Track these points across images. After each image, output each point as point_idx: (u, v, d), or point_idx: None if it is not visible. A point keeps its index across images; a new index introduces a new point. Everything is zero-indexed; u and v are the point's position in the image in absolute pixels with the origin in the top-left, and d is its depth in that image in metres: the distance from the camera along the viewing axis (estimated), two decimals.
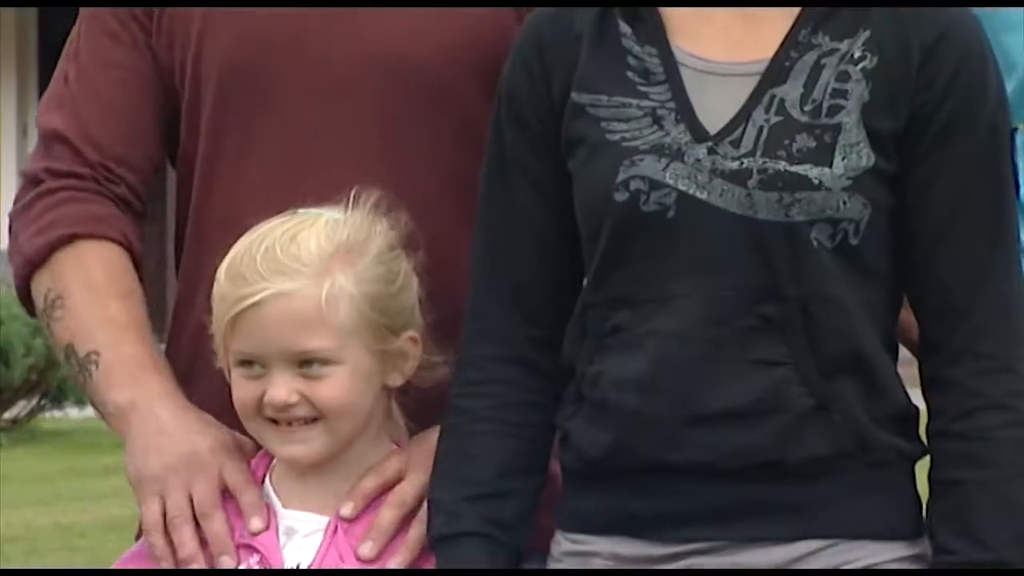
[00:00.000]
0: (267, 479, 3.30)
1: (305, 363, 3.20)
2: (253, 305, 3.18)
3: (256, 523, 3.26)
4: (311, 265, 3.21)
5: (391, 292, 3.25)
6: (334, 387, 3.22)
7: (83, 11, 3.54)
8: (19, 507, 10.56)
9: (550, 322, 3.23)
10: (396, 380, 3.27)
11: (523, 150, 3.20)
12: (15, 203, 3.54)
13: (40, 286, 3.48)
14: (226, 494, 3.27)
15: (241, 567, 3.26)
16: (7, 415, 17.19)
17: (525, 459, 3.22)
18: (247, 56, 3.41)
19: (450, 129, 3.37)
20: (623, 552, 3.14)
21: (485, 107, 3.31)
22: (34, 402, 16.44)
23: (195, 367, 3.36)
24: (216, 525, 3.24)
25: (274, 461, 3.31)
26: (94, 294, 3.45)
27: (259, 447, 3.34)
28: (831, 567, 3.13)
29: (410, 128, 3.36)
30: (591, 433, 3.13)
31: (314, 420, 3.22)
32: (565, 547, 3.20)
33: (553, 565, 3.25)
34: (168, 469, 3.30)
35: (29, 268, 3.49)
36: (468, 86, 3.39)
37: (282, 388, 3.18)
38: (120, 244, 3.44)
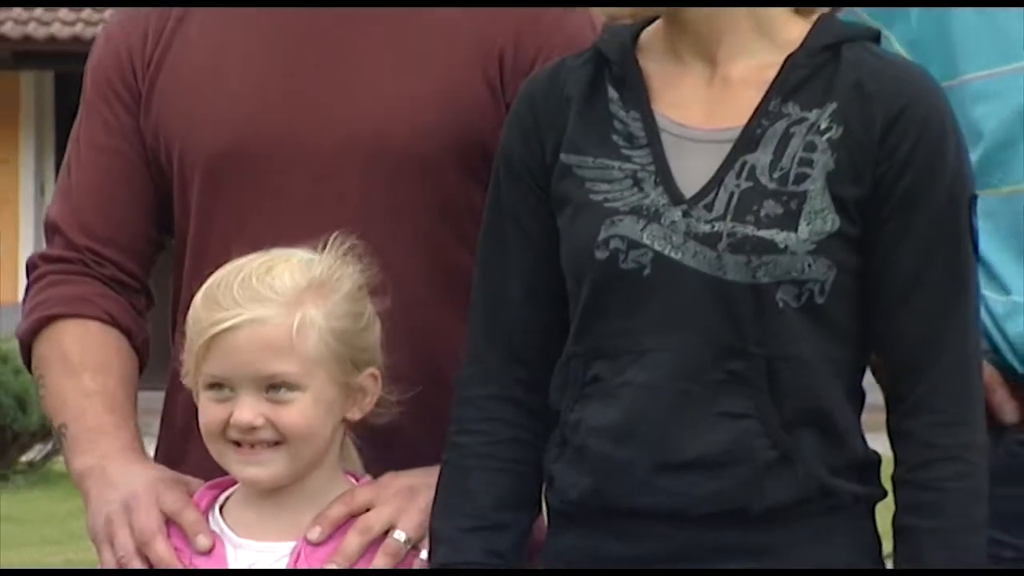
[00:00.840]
0: (214, 511, 3.30)
1: (272, 387, 3.20)
2: (227, 329, 3.20)
3: (201, 540, 3.26)
4: (284, 296, 3.23)
5: (357, 329, 3.27)
6: (298, 412, 3.21)
7: (82, 99, 3.62)
8: (34, 545, 10.55)
9: (540, 366, 3.23)
10: (355, 414, 3.29)
11: (516, 206, 3.23)
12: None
13: (31, 364, 3.58)
14: (171, 523, 3.26)
15: None
16: (23, 458, 17.06)
17: (518, 493, 3.24)
18: (235, 143, 3.41)
19: (428, 206, 3.37)
20: (593, 549, 3.18)
21: (462, 184, 3.40)
22: (48, 446, 16.37)
23: (191, 424, 3.26)
24: (159, 549, 3.24)
25: (222, 495, 3.33)
26: (67, 369, 3.50)
27: (207, 480, 3.34)
28: None
29: (391, 206, 3.37)
30: (572, 476, 3.14)
31: (276, 444, 3.22)
32: (549, 549, 3.24)
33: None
34: (112, 515, 3.30)
35: (24, 348, 3.59)
36: (445, 165, 3.37)
37: (248, 410, 3.19)
38: (100, 320, 3.48)
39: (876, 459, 3.19)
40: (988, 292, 3.49)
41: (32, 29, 22.41)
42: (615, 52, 3.22)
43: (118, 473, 3.38)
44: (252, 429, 3.19)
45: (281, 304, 3.23)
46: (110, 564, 3.31)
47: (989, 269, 3.52)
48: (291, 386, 3.23)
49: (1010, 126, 3.39)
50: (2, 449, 16.81)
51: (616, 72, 3.21)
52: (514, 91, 3.32)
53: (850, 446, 3.15)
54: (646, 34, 3.24)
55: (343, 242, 3.27)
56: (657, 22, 3.25)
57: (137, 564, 3.26)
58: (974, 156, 3.42)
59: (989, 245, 3.47)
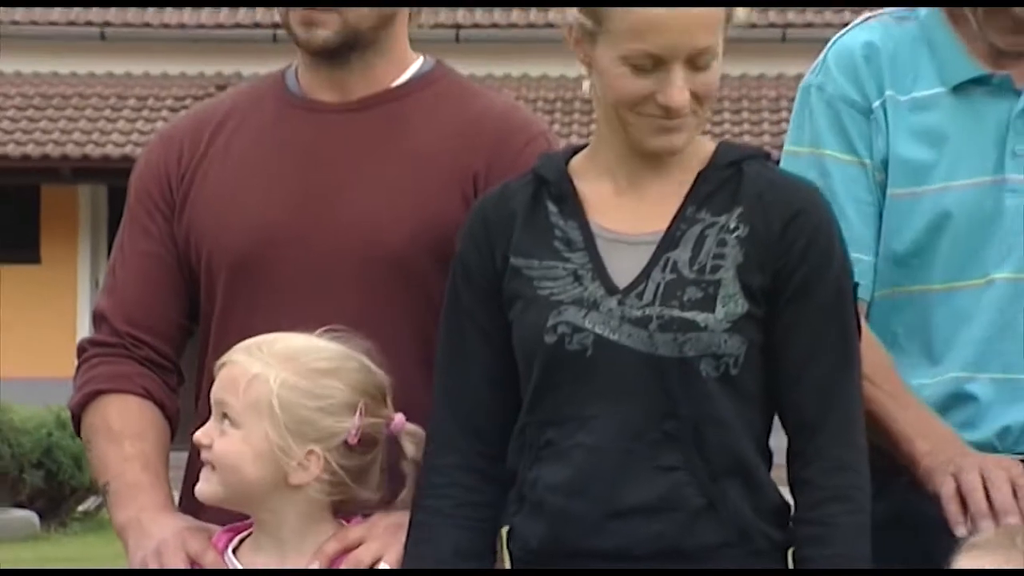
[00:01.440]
0: (228, 552, 3.26)
1: (223, 417, 3.20)
2: (218, 367, 3.23)
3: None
4: (265, 355, 3.23)
5: (307, 405, 3.19)
6: (226, 444, 3.18)
7: (126, 208, 3.60)
8: None
9: (496, 438, 3.23)
10: (296, 480, 3.20)
11: (472, 304, 3.22)
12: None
13: (80, 431, 3.58)
14: (195, 564, 3.25)
15: None
16: (80, 508, 17.08)
17: (476, 545, 3.21)
18: (254, 249, 3.43)
19: (412, 297, 3.38)
20: None
21: (438, 280, 3.32)
22: (100, 499, 16.48)
23: None
24: None
25: (235, 538, 3.28)
26: (110, 437, 3.50)
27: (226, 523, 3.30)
28: None
29: (382, 298, 3.37)
30: (531, 527, 3.14)
31: (212, 467, 3.23)
32: None
33: None
34: (147, 559, 3.30)
35: (75, 418, 3.58)
36: (426, 266, 3.37)
37: (201, 431, 3.23)
38: (138, 395, 3.47)
39: (788, 507, 3.19)
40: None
41: (89, 149, 22.41)
42: (553, 174, 3.25)
43: (152, 524, 3.37)
44: (202, 447, 3.21)
45: (258, 359, 3.23)
46: None
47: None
48: (232, 421, 3.20)
49: (923, 236, 3.37)
50: (61, 501, 16.87)
51: (554, 190, 3.23)
52: None
53: (767, 494, 3.16)
54: (576, 160, 3.29)
55: (347, 338, 3.27)
56: (586, 151, 3.32)
57: None
58: (893, 258, 3.50)
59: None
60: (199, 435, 3.21)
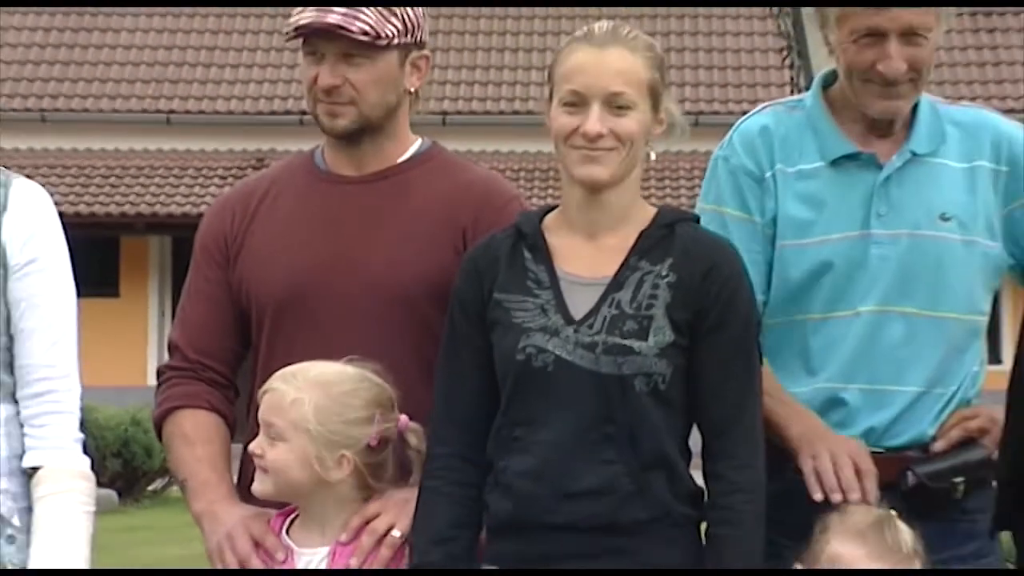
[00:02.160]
0: (283, 532, 3.32)
1: (270, 432, 3.25)
2: (261, 393, 3.27)
3: (280, 555, 3.27)
4: (300, 382, 3.26)
5: (337, 419, 3.26)
6: (275, 454, 3.24)
7: (192, 258, 3.69)
8: (161, 543, 10.46)
9: (482, 434, 3.28)
10: (331, 478, 3.26)
11: (466, 329, 3.28)
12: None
13: (162, 438, 3.62)
14: (258, 544, 3.30)
15: None
16: (150, 488, 17.09)
17: (467, 517, 3.26)
18: (292, 294, 3.50)
19: (415, 328, 3.44)
20: (518, 563, 3.24)
21: (435, 314, 3.41)
22: (165, 480, 16.37)
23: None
24: (253, 563, 3.27)
25: (287, 520, 3.35)
26: (185, 442, 3.55)
27: (278, 509, 3.37)
28: None
29: (392, 329, 3.43)
30: (501, 504, 3.21)
31: (264, 471, 3.26)
32: (489, 559, 3.26)
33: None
34: (220, 542, 3.34)
35: (157, 428, 3.62)
36: (426, 303, 3.44)
37: (255, 444, 3.26)
38: (205, 409, 3.54)
39: (701, 492, 3.22)
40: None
41: (157, 208, 22.36)
42: (529, 228, 3.29)
43: (222, 513, 3.41)
44: (253, 451, 3.26)
45: (294, 386, 3.25)
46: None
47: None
48: (279, 436, 3.23)
49: (806, 277, 3.41)
50: (135, 482, 16.86)
51: (529, 241, 3.26)
52: None
53: (685, 483, 3.20)
54: (548, 217, 3.32)
55: (368, 366, 3.31)
56: (556, 211, 3.33)
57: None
58: (783, 294, 3.53)
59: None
60: (253, 447, 3.26)
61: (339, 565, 3.29)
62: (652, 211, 3.28)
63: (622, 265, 3.20)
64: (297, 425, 3.24)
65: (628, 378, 3.15)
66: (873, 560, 3.12)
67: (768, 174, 3.51)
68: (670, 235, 3.24)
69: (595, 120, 3.09)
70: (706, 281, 3.20)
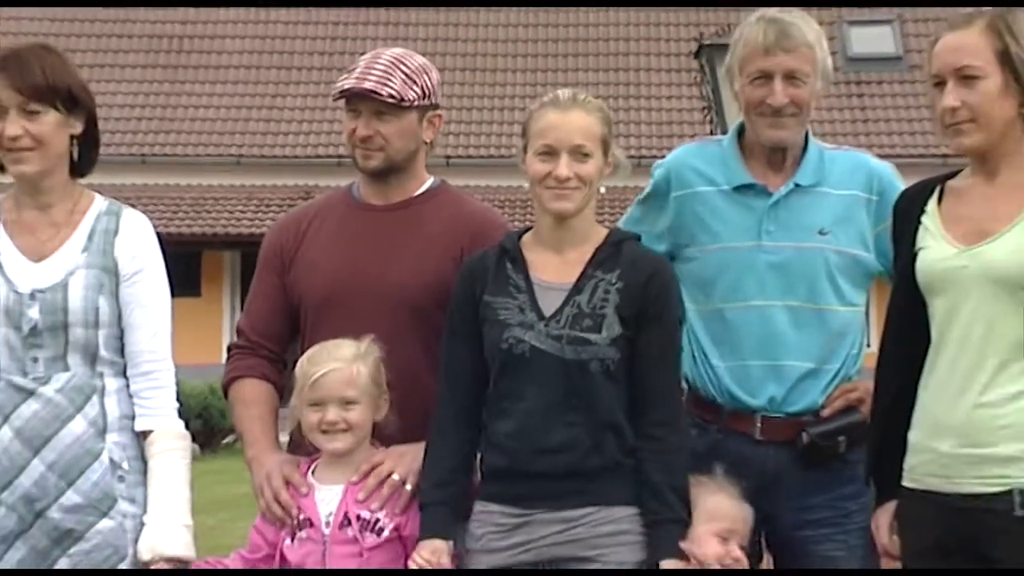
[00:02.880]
0: (309, 473, 3.33)
1: (347, 403, 3.28)
2: (323, 374, 3.27)
3: (304, 489, 3.29)
4: (347, 359, 3.30)
5: (376, 378, 3.31)
6: (358, 414, 3.28)
7: (257, 267, 3.74)
8: (231, 484, 10.48)
9: (474, 401, 3.31)
10: (377, 418, 3.32)
11: (462, 323, 3.33)
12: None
13: (228, 400, 3.67)
14: (289, 483, 3.31)
15: (295, 513, 3.30)
16: (224, 442, 17.24)
17: (464, 464, 3.31)
18: (329, 296, 3.53)
19: (422, 325, 3.47)
20: (504, 511, 3.24)
21: (438, 315, 3.43)
22: (237, 439, 16.47)
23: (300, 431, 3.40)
24: (283, 496, 3.27)
25: (313, 464, 3.37)
26: (244, 404, 3.57)
27: (308, 455, 3.41)
28: (598, 520, 3.22)
29: (404, 325, 3.45)
30: (494, 458, 3.29)
31: (345, 431, 3.26)
32: (478, 508, 3.28)
33: (474, 517, 3.29)
34: (261, 480, 3.35)
35: (224, 392, 3.66)
36: (431, 306, 3.46)
37: (333, 413, 3.25)
38: (259, 378, 3.57)
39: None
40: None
41: (229, 230, 22.45)
42: (511, 245, 3.33)
43: (265, 459, 3.45)
44: (335, 422, 3.26)
45: (346, 360, 3.30)
46: (263, 507, 3.35)
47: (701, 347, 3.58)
48: (353, 401, 3.27)
49: (711, 275, 3.47)
50: (212, 438, 17.05)
51: (510, 255, 3.31)
52: None
53: (628, 441, 3.24)
54: (525, 236, 3.37)
55: (373, 342, 3.35)
56: (531, 231, 3.39)
57: (276, 508, 3.32)
58: (690, 287, 3.56)
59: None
60: (332, 420, 3.28)
61: (350, 499, 3.28)
62: (604, 232, 3.33)
63: (581, 274, 3.26)
64: (364, 390, 3.29)
65: (586, 362, 3.20)
66: (726, 496, 3.23)
67: (684, 192, 3.55)
68: (618, 251, 3.28)
69: (564, 167, 3.16)
70: (647, 286, 3.24)
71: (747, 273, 3.42)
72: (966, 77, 2.90)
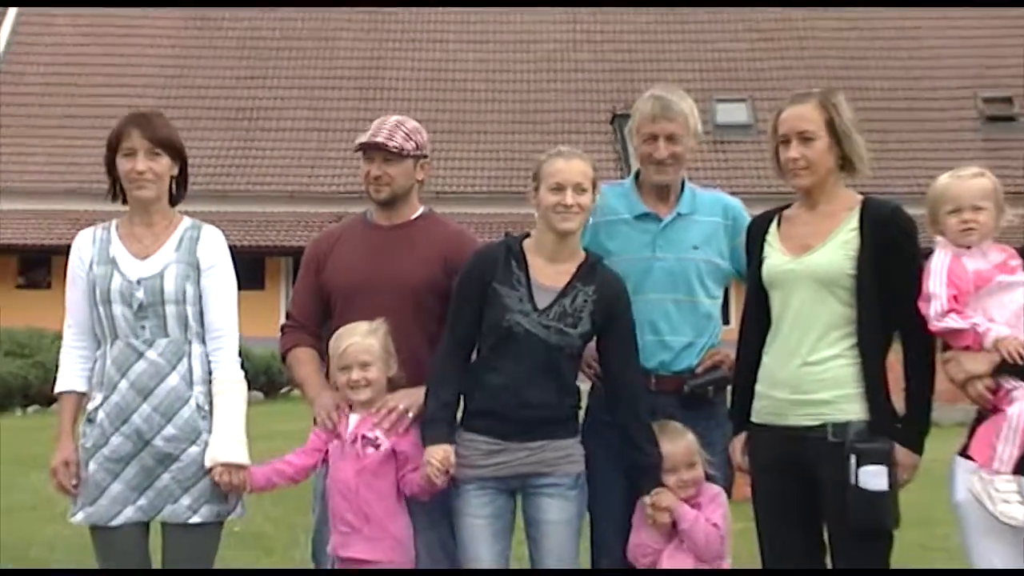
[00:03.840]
0: (346, 408, 3.24)
1: (365, 365, 3.20)
2: (347, 347, 3.21)
3: (339, 415, 3.23)
4: (363, 334, 3.24)
5: (386, 347, 3.24)
6: (373, 373, 3.21)
7: (300, 269, 3.62)
8: (291, 422, 10.36)
9: (467, 354, 3.24)
10: (390, 375, 3.23)
11: (468, 299, 3.20)
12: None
13: (286, 363, 3.56)
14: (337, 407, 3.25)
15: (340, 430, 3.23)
16: (281, 391, 16.76)
17: (452, 400, 3.20)
18: (350, 291, 3.45)
19: (421, 311, 3.39)
20: (487, 440, 3.16)
21: (432, 303, 3.38)
22: (291, 387, 16.03)
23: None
24: (333, 415, 3.23)
25: (347, 406, 3.26)
26: (300, 364, 3.49)
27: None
28: (553, 448, 3.18)
29: (408, 312, 3.37)
30: (483, 400, 3.17)
31: (365, 386, 3.20)
32: (465, 436, 3.17)
33: (459, 443, 3.17)
34: (320, 405, 3.28)
35: (283, 358, 3.56)
36: (428, 297, 3.39)
37: (356, 373, 3.19)
38: (308, 346, 3.50)
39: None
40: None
41: (283, 242, 22.18)
42: (516, 246, 3.23)
43: (322, 394, 3.36)
44: (358, 380, 3.19)
45: (361, 336, 3.23)
46: (320, 420, 3.28)
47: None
48: (369, 364, 3.21)
49: (622, 275, 3.31)
50: (274, 388, 16.65)
51: (515, 255, 3.20)
52: (453, 273, 3.32)
53: (578, 400, 3.26)
54: (526, 241, 3.25)
55: (383, 324, 3.28)
56: (531, 238, 3.26)
57: (327, 422, 3.26)
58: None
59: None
60: (355, 379, 3.21)
61: (362, 424, 3.20)
62: (583, 253, 3.24)
63: (568, 283, 3.17)
64: (377, 356, 3.22)
65: (562, 347, 3.14)
66: (674, 439, 3.17)
67: (602, 219, 3.44)
68: (594, 270, 3.19)
69: (570, 197, 3.10)
70: (615, 302, 3.18)
71: (645, 276, 3.35)
72: (805, 138, 2.96)
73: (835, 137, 2.97)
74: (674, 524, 3.07)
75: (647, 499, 3.08)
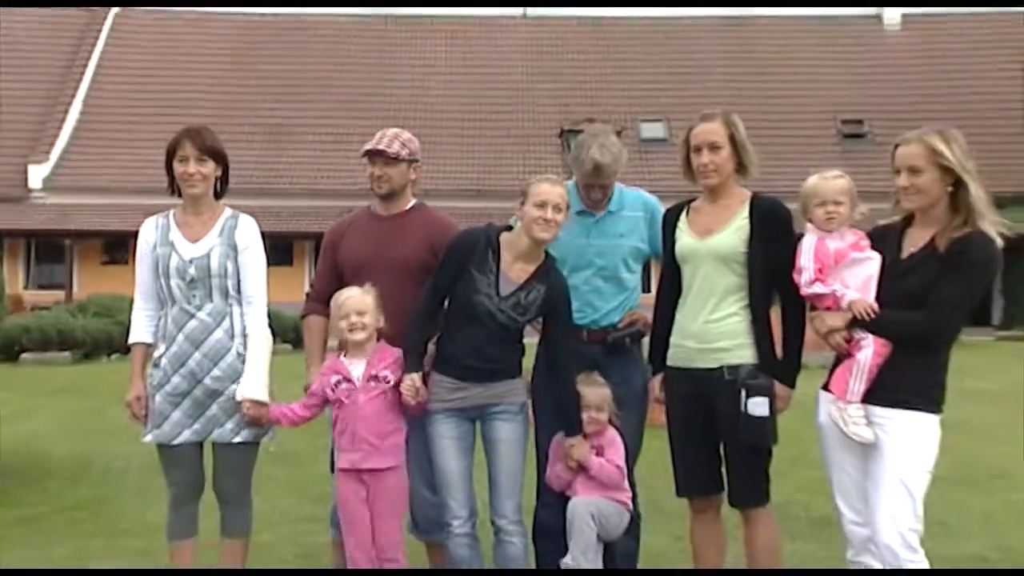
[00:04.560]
0: (342, 356, 3.12)
1: (360, 313, 3.08)
2: (345, 299, 3.12)
3: (339, 364, 3.11)
4: (358, 292, 3.13)
5: (376, 303, 3.11)
6: (369, 320, 3.09)
7: (321, 251, 3.49)
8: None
9: (438, 310, 3.13)
10: (378, 326, 3.12)
11: (446, 277, 3.08)
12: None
13: (303, 325, 3.41)
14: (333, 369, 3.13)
15: (334, 381, 3.09)
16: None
17: (427, 338, 3.11)
18: (358, 265, 3.32)
19: (410, 282, 3.22)
20: (452, 381, 3.08)
21: (421, 277, 3.20)
22: None
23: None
24: (316, 381, 3.15)
25: (342, 355, 3.12)
26: (309, 333, 3.39)
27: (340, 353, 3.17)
28: (502, 384, 3.10)
29: (401, 282, 3.22)
30: (451, 352, 3.09)
31: (362, 328, 3.07)
32: (436, 377, 3.10)
33: (432, 382, 3.08)
34: (312, 375, 3.22)
35: (302, 318, 3.42)
36: (418, 270, 3.23)
37: (355, 317, 3.09)
38: (320, 315, 3.38)
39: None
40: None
41: (307, 229, 21.69)
42: (494, 236, 3.09)
43: (313, 366, 3.30)
44: (355, 323, 3.07)
45: (359, 293, 3.12)
46: (312, 383, 3.17)
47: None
48: (363, 312, 3.09)
49: (562, 256, 3.23)
50: (300, 342, 16.04)
51: (492, 245, 3.07)
52: (437, 253, 3.19)
53: (521, 354, 3.17)
54: (503, 236, 3.10)
55: (373, 288, 3.15)
56: (509, 234, 3.11)
57: (315, 385, 3.14)
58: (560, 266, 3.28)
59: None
60: (355, 322, 3.07)
61: (374, 367, 3.09)
62: (543, 255, 3.12)
63: (526, 281, 3.06)
64: (368, 308, 3.10)
65: (512, 325, 3.06)
66: (594, 387, 3.10)
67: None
68: (548, 272, 3.09)
69: (550, 213, 3.01)
70: (559, 296, 3.08)
71: (581, 257, 3.28)
72: (714, 147, 2.93)
73: (735, 147, 2.93)
74: (582, 467, 3.05)
75: (566, 445, 3.04)
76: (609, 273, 3.30)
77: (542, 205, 3.01)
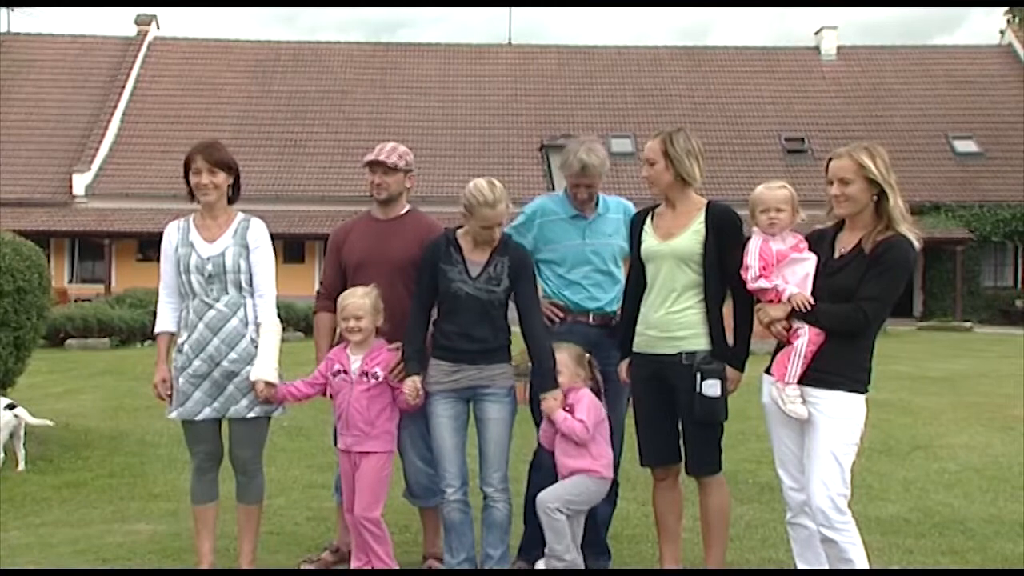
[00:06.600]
0: (346, 350, 3.09)
1: (358, 317, 3.04)
2: (346, 303, 3.07)
3: (343, 355, 3.10)
4: (359, 295, 3.08)
5: (376, 304, 3.07)
6: (365, 323, 3.05)
7: (327, 251, 3.40)
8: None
9: (429, 309, 3.08)
10: (378, 324, 3.08)
11: (428, 276, 3.05)
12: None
13: (314, 322, 3.35)
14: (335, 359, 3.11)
15: (336, 369, 3.07)
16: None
17: (424, 339, 3.05)
18: (359, 263, 3.27)
19: (406, 279, 3.18)
20: (447, 365, 3.03)
21: (413, 274, 3.15)
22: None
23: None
24: (323, 367, 3.13)
25: (347, 346, 3.10)
26: (318, 330, 3.33)
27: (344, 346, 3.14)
28: (492, 367, 3.02)
29: (397, 280, 3.18)
30: (443, 339, 3.04)
31: (359, 331, 3.04)
32: (432, 362, 3.05)
33: (429, 367, 3.02)
34: (322, 362, 3.16)
35: (314, 313, 3.35)
36: (411, 268, 3.17)
37: (352, 322, 3.05)
38: (328, 311, 3.30)
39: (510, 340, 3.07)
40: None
41: (317, 231, 21.52)
42: (452, 236, 3.06)
43: (321, 355, 3.24)
44: (352, 327, 3.03)
45: (357, 297, 3.07)
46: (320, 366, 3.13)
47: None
48: (361, 317, 3.04)
49: (560, 258, 3.27)
50: (309, 332, 15.99)
51: (452, 241, 3.05)
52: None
53: (508, 336, 3.08)
54: (459, 233, 3.06)
55: (375, 289, 3.11)
56: (464, 231, 3.05)
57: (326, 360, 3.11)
58: (559, 265, 3.32)
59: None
60: (354, 326, 3.02)
61: (366, 364, 3.04)
62: (500, 235, 3.05)
63: (489, 257, 3.03)
64: (367, 311, 3.07)
65: (491, 302, 3.00)
66: (576, 363, 3.03)
67: (539, 220, 3.33)
68: (507, 245, 3.06)
69: (496, 233, 3.02)
70: (521, 263, 3.03)
71: (580, 255, 3.28)
72: (651, 163, 2.92)
73: (669, 161, 2.90)
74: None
75: (542, 400, 3.00)
76: (604, 268, 3.30)
77: (487, 228, 2.98)
